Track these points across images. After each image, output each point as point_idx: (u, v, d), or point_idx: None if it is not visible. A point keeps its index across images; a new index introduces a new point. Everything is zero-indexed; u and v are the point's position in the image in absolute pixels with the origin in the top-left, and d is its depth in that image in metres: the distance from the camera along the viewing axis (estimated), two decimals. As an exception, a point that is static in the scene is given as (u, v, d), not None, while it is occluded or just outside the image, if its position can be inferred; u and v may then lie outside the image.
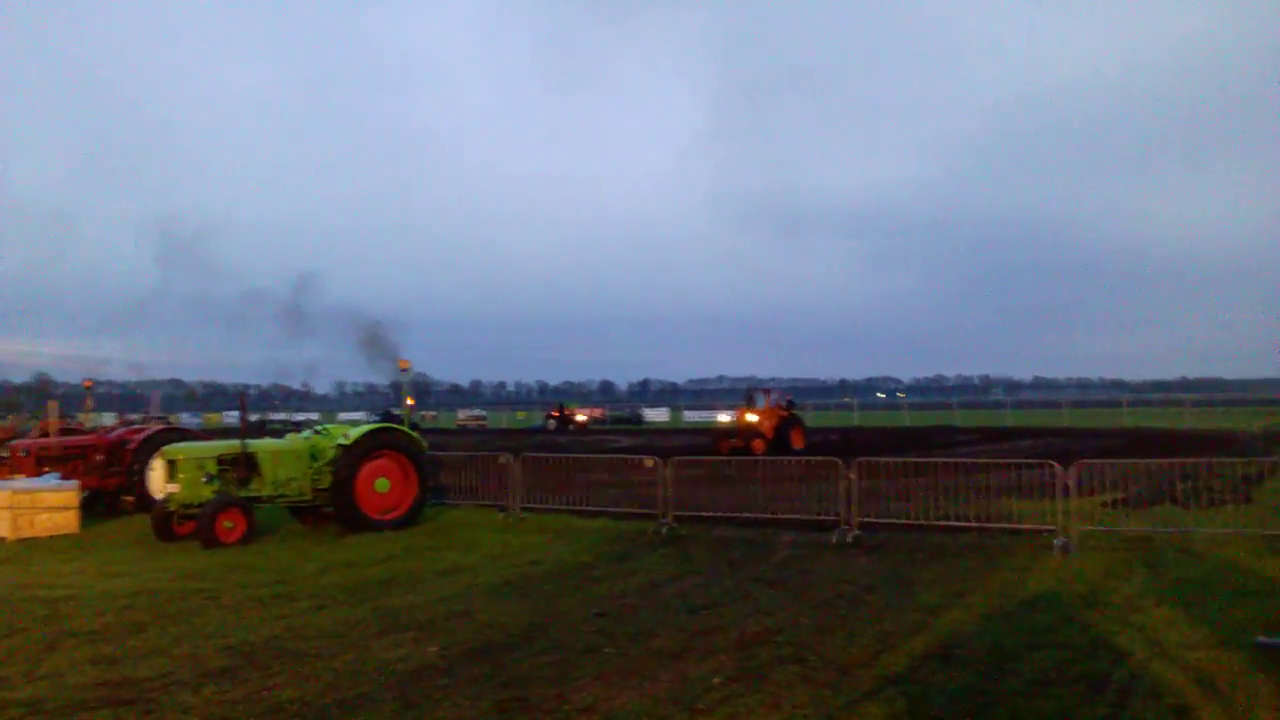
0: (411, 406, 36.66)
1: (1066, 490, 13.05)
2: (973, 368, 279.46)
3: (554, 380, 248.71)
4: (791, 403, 37.97)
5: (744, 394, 38.37)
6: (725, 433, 37.28)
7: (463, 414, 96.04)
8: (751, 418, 35.02)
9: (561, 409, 74.15)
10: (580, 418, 73.88)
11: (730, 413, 40.46)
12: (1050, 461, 13.98)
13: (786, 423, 35.07)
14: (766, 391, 37.20)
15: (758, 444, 33.08)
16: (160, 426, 21.66)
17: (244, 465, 15.60)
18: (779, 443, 33.61)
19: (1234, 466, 14.89)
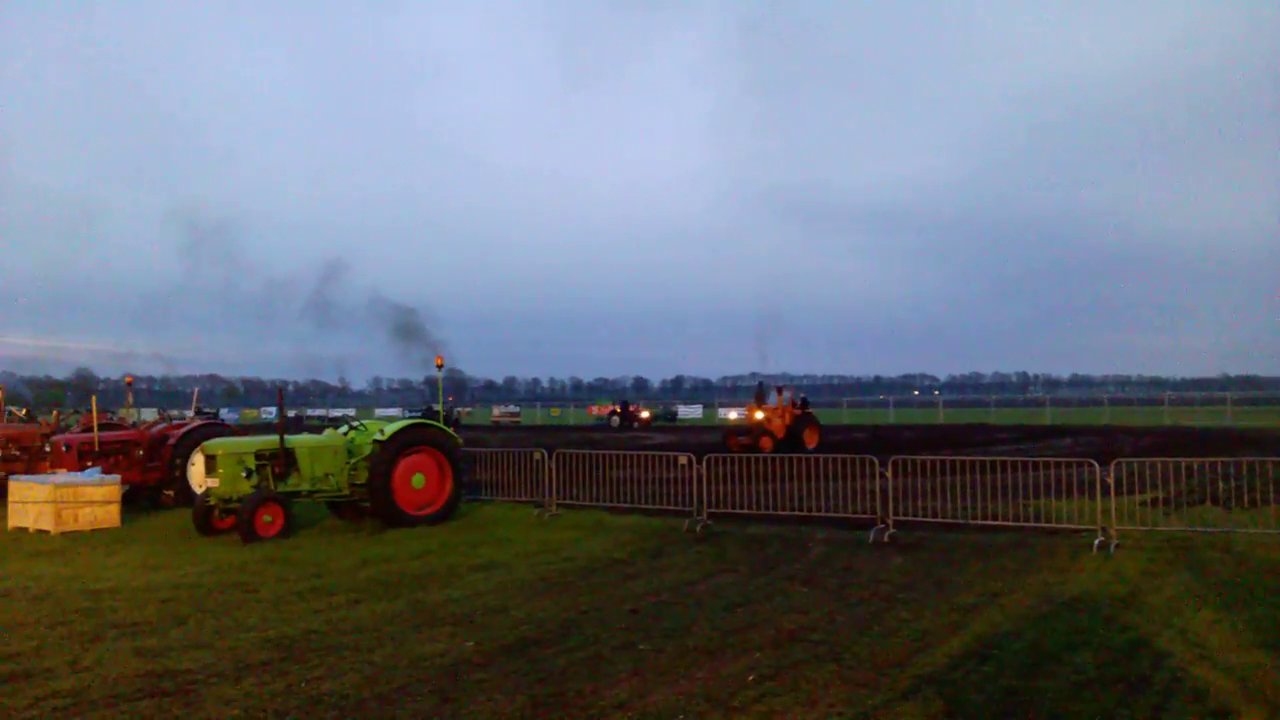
0: (451, 402, 36.61)
1: (1106, 489, 12.93)
2: (1010, 365, 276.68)
3: (587, 377, 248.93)
4: (805, 400, 37.43)
5: (755, 390, 37.73)
6: (735, 430, 36.76)
7: (497, 410, 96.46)
8: (760, 415, 34.50)
9: (625, 405, 73.59)
10: (644, 414, 72.94)
11: (741, 410, 39.92)
12: (1089, 460, 13.85)
13: (800, 421, 34.66)
14: (779, 389, 36.66)
15: (765, 442, 32.56)
16: (200, 422, 21.88)
17: (282, 460, 15.74)
18: (791, 442, 33.09)
19: (1276, 466, 14.66)
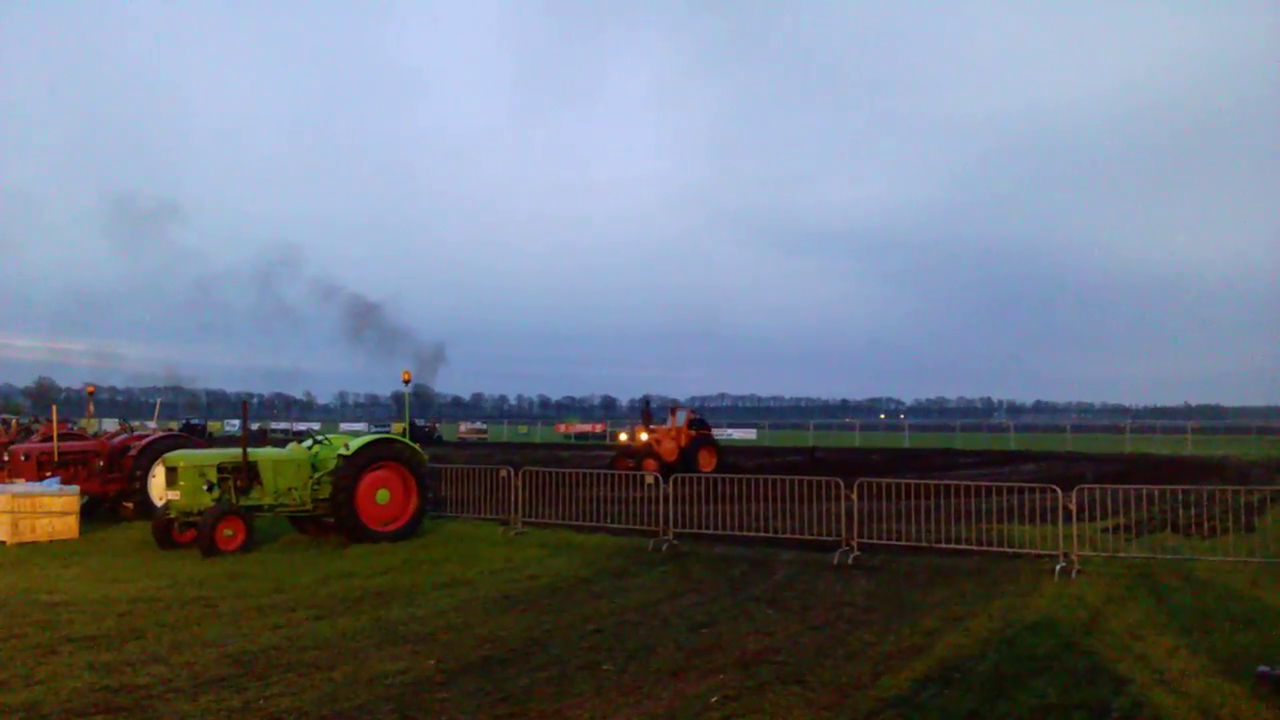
0: (433, 420, 36.20)
1: (1069, 515, 13.03)
2: (975, 390, 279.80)
3: (555, 395, 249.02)
4: (702, 421, 35.66)
5: (640, 408, 35.68)
6: (623, 451, 34.23)
7: (464, 427, 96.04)
8: (643, 437, 32.68)
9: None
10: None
11: (630, 429, 36.87)
12: (1052, 486, 13.96)
13: (695, 443, 33.13)
14: (674, 409, 35.31)
15: (649, 464, 30.56)
16: (162, 433, 21.64)
17: (245, 474, 15.59)
18: (685, 465, 31.18)
19: (1236, 495, 14.87)
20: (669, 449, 32.54)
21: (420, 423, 75.19)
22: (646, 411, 34.58)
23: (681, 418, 34.45)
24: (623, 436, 35.18)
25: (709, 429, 35.61)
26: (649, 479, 23.04)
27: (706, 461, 32.82)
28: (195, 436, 22.00)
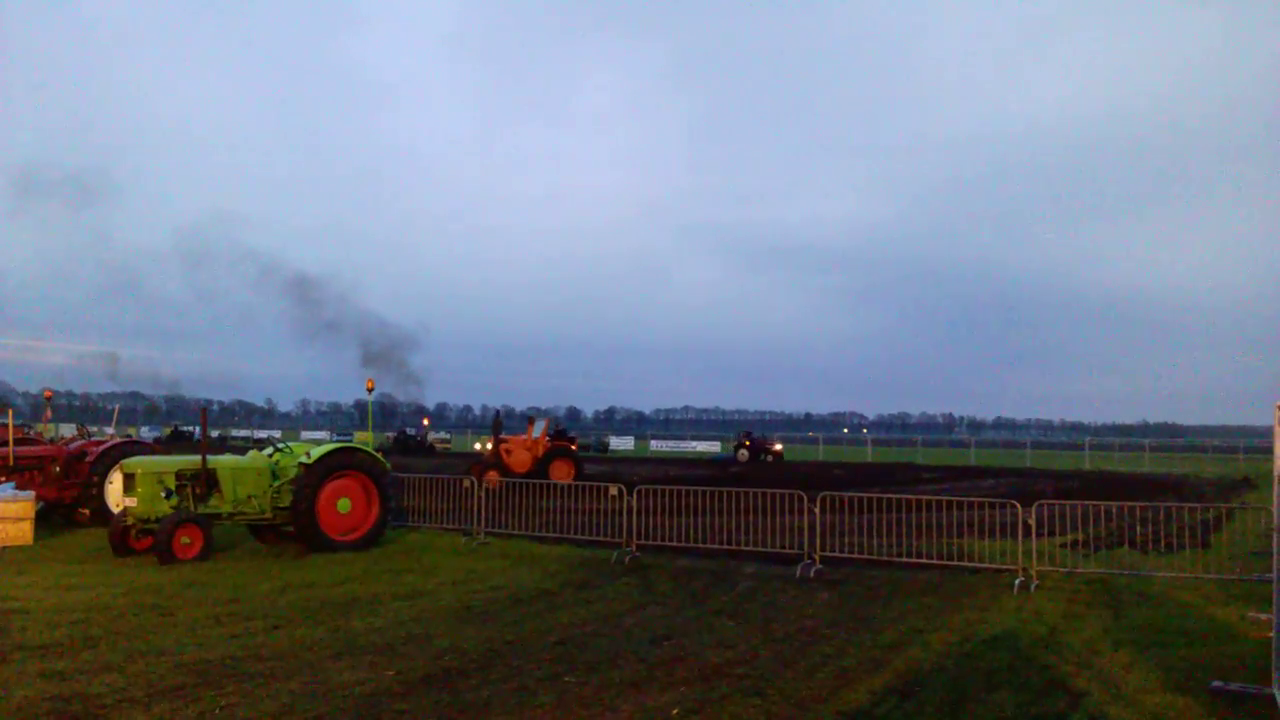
0: (427, 426, 35.71)
1: (1028, 530, 13.15)
2: (936, 406, 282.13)
3: (520, 405, 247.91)
4: (562, 433, 35.30)
5: (493, 420, 34.99)
6: (474, 460, 33.86)
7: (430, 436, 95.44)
8: (488, 446, 32.15)
9: (751, 436, 66.05)
10: (777, 447, 65.01)
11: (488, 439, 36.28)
12: (1012, 501, 14.09)
13: (549, 454, 32.69)
14: (531, 419, 34.75)
15: (491, 476, 27.76)
16: (120, 440, 21.37)
17: (204, 481, 15.42)
18: (540, 476, 29.81)
19: (1192, 512, 15.06)
20: (521, 459, 32.18)
21: (411, 431, 73.56)
22: (497, 422, 33.98)
23: (539, 428, 34.05)
24: (476, 445, 34.67)
25: (570, 440, 35.28)
26: (491, 477, 22.54)
27: (561, 473, 31.97)
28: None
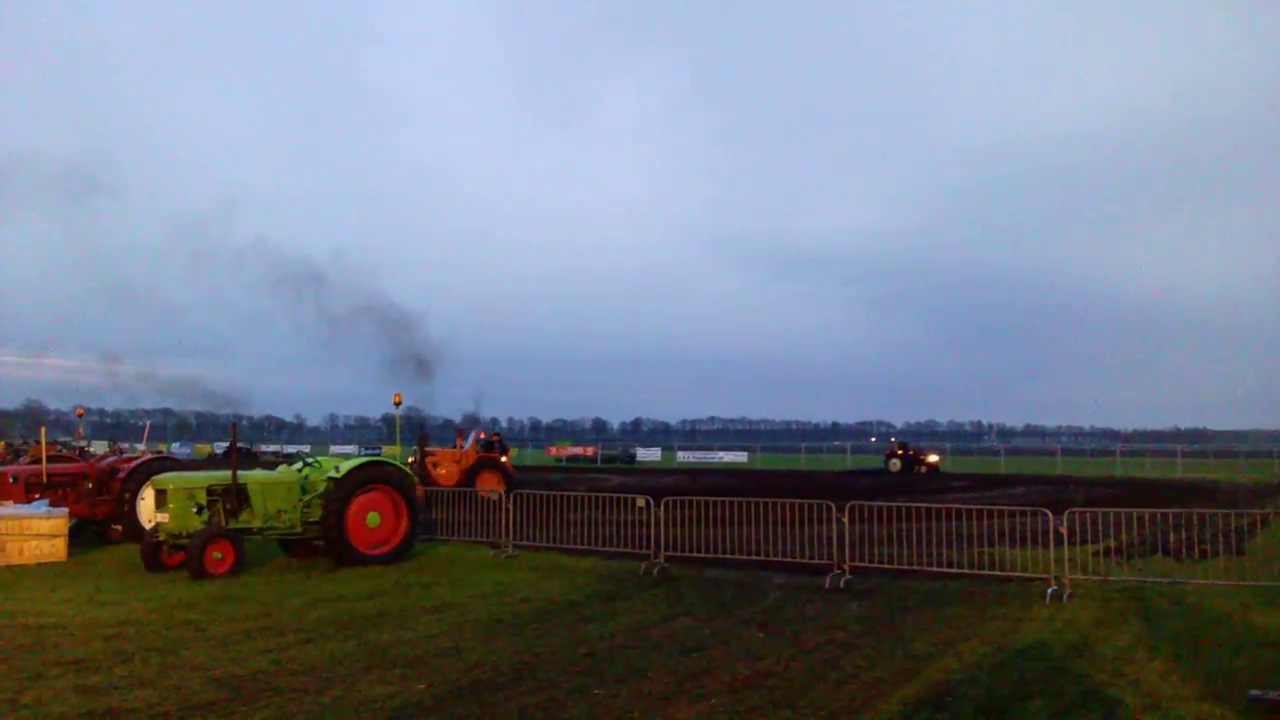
0: (497, 440, 34.71)
1: (1060, 538, 13.04)
2: (965, 414, 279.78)
3: (547, 418, 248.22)
4: (494, 443, 34.21)
5: (417, 430, 34.02)
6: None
7: None
8: (411, 459, 30.56)
9: (905, 448, 61.42)
10: (933, 459, 60.44)
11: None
12: (1043, 509, 13.97)
13: (476, 465, 31.91)
14: (460, 430, 34.05)
15: (491, 484, 28.89)
16: (151, 455, 21.56)
17: (234, 496, 15.53)
18: (468, 487, 27.97)
19: (1226, 518, 14.90)
20: (448, 472, 31.48)
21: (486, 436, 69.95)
22: (422, 436, 32.83)
23: (469, 439, 33.34)
24: (410, 459, 33.84)
25: (501, 452, 34.37)
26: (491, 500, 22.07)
27: (490, 483, 30.43)
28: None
